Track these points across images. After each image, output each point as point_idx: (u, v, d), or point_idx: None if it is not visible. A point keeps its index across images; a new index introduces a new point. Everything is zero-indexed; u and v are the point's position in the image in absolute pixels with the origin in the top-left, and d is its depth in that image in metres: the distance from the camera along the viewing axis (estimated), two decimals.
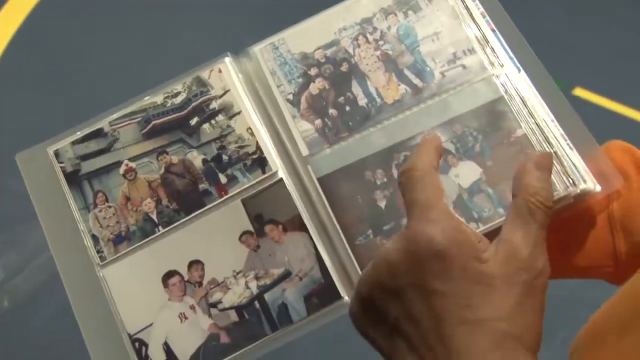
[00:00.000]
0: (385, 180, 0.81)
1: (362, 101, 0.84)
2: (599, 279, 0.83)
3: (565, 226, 0.81)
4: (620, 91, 2.82)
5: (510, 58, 0.84)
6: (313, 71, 0.86)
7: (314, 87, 0.85)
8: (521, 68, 0.84)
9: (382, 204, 0.80)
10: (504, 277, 0.64)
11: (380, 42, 0.86)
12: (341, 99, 0.85)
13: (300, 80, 0.86)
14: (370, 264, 0.68)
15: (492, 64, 0.83)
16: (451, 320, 0.64)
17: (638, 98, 2.79)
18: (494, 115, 0.81)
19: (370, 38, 0.86)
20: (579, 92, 2.85)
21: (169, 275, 0.82)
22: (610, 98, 2.81)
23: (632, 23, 3.01)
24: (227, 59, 0.88)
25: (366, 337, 0.69)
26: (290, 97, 0.86)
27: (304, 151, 0.83)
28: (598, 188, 0.78)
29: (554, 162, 0.77)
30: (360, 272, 0.78)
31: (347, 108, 0.84)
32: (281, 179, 0.83)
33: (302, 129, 0.84)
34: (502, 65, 0.83)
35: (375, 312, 0.67)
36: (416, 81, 0.84)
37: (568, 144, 0.80)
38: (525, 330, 0.64)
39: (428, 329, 0.64)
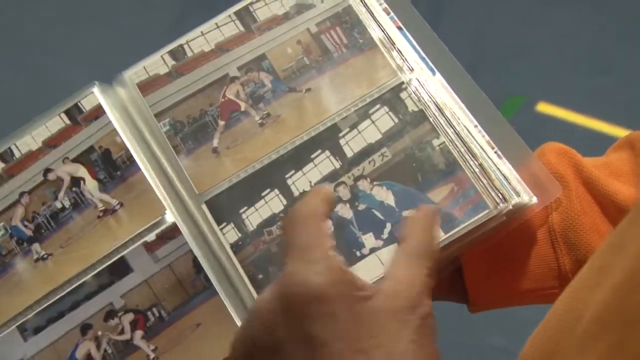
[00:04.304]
0: None
1: None
2: (547, 304, 0.72)
3: (503, 246, 0.74)
4: (586, 103, 2.61)
5: (422, 59, 0.75)
6: None
7: None
8: (436, 70, 0.75)
9: None
10: (392, 313, 0.58)
11: None
12: None
13: None
14: (245, 319, 0.61)
15: (400, 68, 0.73)
16: None
17: (606, 109, 2.60)
18: None
19: None
20: (543, 107, 2.65)
21: None
22: (578, 111, 2.62)
23: (594, 29, 2.83)
24: (95, 89, 0.77)
25: None
26: None
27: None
28: (534, 200, 0.70)
29: (480, 176, 0.70)
30: None
31: None
32: None
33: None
34: (412, 69, 0.74)
35: None
36: None
37: (496, 152, 0.72)
38: None
39: None
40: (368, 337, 0.57)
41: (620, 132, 2.44)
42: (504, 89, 2.55)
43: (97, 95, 0.76)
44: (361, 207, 0.70)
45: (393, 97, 0.73)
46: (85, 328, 0.71)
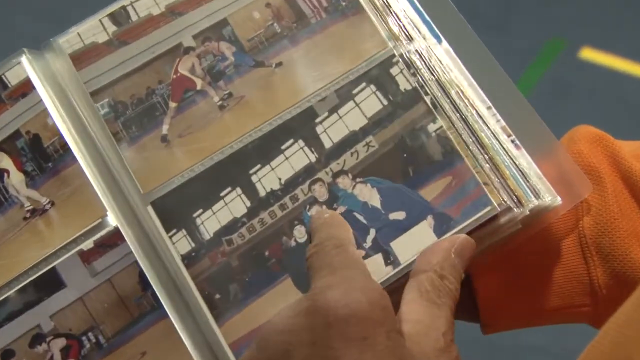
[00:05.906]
0: None
1: None
2: (577, 323, 0.67)
3: (522, 256, 0.65)
4: (638, 48, 2.38)
5: (426, 22, 0.65)
6: None
7: None
8: (442, 37, 0.65)
9: None
10: (422, 354, 0.53)
11: None
12: None
13: None
14: (258, 336, 0.54)
15: (395, 37, 0.63)
16: None
17: None
18: None
19: None
20: (588, 53, 2.39)
21: None
22: (627, 58, 2.32)
23: None
24: (23, 58, 0.65)
25: None
26: None
27: None
28: (558, 201, 0.61)
29: (490, 173, 0.60)
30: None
31: None
32: None
33: None
34: (410, 39, 0.63)
35: None
36: None
37: (513, 141, 0.62)
38: None
39: None
40: None
41: None
42: (543, 33, 2.34)
43: (25, 67, 0.64)
44: (341, 209, 0.60)
45: (382, 74, 0.61)
46: (6, 355, 0.61)
